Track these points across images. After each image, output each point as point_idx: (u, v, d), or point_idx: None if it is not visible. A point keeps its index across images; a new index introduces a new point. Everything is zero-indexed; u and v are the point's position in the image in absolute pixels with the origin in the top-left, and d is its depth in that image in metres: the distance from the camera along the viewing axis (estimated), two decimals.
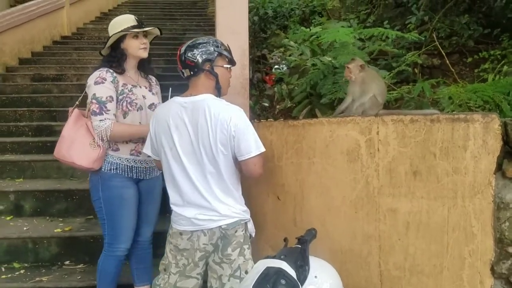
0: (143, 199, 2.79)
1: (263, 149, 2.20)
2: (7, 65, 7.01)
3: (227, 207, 2.18)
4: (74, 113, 2.67)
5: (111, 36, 2.64)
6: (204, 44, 2.22)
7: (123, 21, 2.66)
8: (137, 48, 2.66)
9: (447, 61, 4.58)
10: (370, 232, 2.35)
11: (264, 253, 2.39)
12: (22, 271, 3.36)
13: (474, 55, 5.19)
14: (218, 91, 2.26)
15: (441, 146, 2.17)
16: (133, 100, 2.63)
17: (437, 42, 4.55)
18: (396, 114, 2.33)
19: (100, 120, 2.54)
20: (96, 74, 2.61)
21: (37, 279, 3.22)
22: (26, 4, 7.95)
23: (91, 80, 2.60)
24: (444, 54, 4.57)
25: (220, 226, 2.17)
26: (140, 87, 2.72)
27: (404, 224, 2.28)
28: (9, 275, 3.28)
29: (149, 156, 2.46)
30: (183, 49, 2.23)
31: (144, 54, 2.69)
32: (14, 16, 7.29)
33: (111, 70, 2.62)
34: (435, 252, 2.20)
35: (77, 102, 2.76)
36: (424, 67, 5.48)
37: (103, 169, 2.65)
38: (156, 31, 2.81)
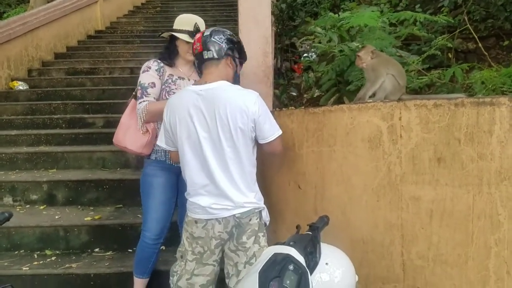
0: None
1: (281, 131, 2.29)
2: (43, 60, 7.22)
3: (241, 196, 2.17)
4: (131, 102, 2.80)
5: (170, 30, 2.76)
6: (228, 33, 2.27)
7: (185, 22, 2.75)
8: (185, 52, 2.74)
9: (480, 45, 4.38)
10: (393, 221, 2.29)
11: None
12: (53, 258, 3.46)
13: (511, 38, 4.96)
14: (233, 80, 2.27)
15: (466, 131, 2.09)
16: (172, 89, 2.72)
17: (469, 25, 4.34)
18: (419, 99, 2.26)
19: (139, 103, 2.66)
20: (145, 64, 2.76)
21: (67, 265, 3.31)
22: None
23: (140, 70, 2.75)
24: (476, 37, 4.37)
25: (234, 215, 2.16)
26: (189, 80, 2.78)
27: (427, 213, 2.21)
28: (41, 262, 3.39)
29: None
30: (208, 31, 2.24)
31: (190, 58, 2.72)
32: (49, 12, 7.48)
33: (159, 61, 2.76)
34: (459, 241, 2.13)
35: (133, 93, 2.82)
36: (458, 52, 5.28)
37: (148, 156, 2.79)
38: None
